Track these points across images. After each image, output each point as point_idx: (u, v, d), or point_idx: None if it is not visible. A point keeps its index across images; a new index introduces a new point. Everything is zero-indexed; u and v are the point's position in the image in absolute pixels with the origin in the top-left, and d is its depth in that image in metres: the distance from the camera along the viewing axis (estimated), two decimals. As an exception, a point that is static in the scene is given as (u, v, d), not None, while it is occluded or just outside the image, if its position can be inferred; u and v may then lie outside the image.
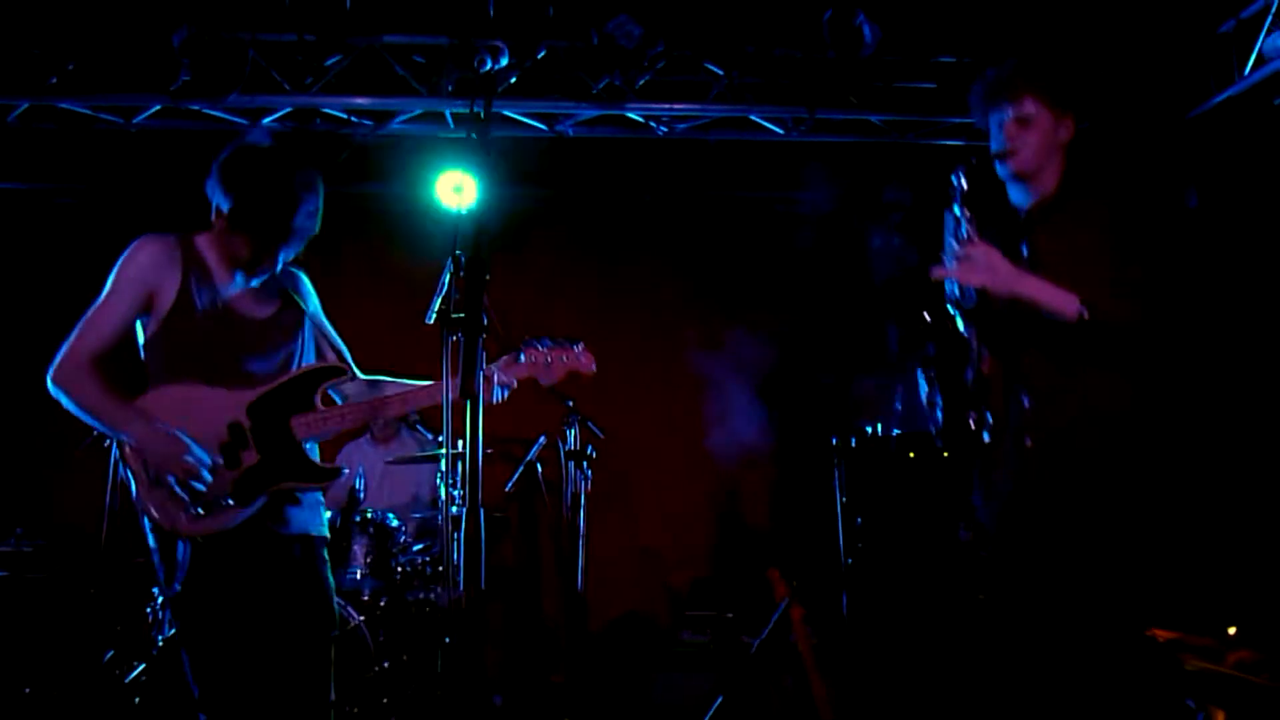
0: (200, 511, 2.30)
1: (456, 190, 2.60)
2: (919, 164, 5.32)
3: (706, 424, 5.35)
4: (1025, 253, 2.50)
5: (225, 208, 2.38)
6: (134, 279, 2.39)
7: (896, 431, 4.76)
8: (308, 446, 2.45)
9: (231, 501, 2.32)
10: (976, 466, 2.62)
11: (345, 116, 4.99)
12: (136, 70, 4.59)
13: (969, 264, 2.42)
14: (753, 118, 4.99)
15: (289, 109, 4.88)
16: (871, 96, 4.89)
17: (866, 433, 4.72)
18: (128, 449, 2.32)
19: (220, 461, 2.33)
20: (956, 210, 2.51)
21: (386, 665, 3.76)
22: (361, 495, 4.15)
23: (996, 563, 2.58)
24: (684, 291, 5.79)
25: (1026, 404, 2.45)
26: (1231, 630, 4.57)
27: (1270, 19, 4.26)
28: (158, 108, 4.79)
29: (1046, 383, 2.45)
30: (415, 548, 4.18)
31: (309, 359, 2.58)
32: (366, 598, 3.91)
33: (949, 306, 2.56)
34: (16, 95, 4.66)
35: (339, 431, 2.50)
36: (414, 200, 5.53)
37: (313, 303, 2.66)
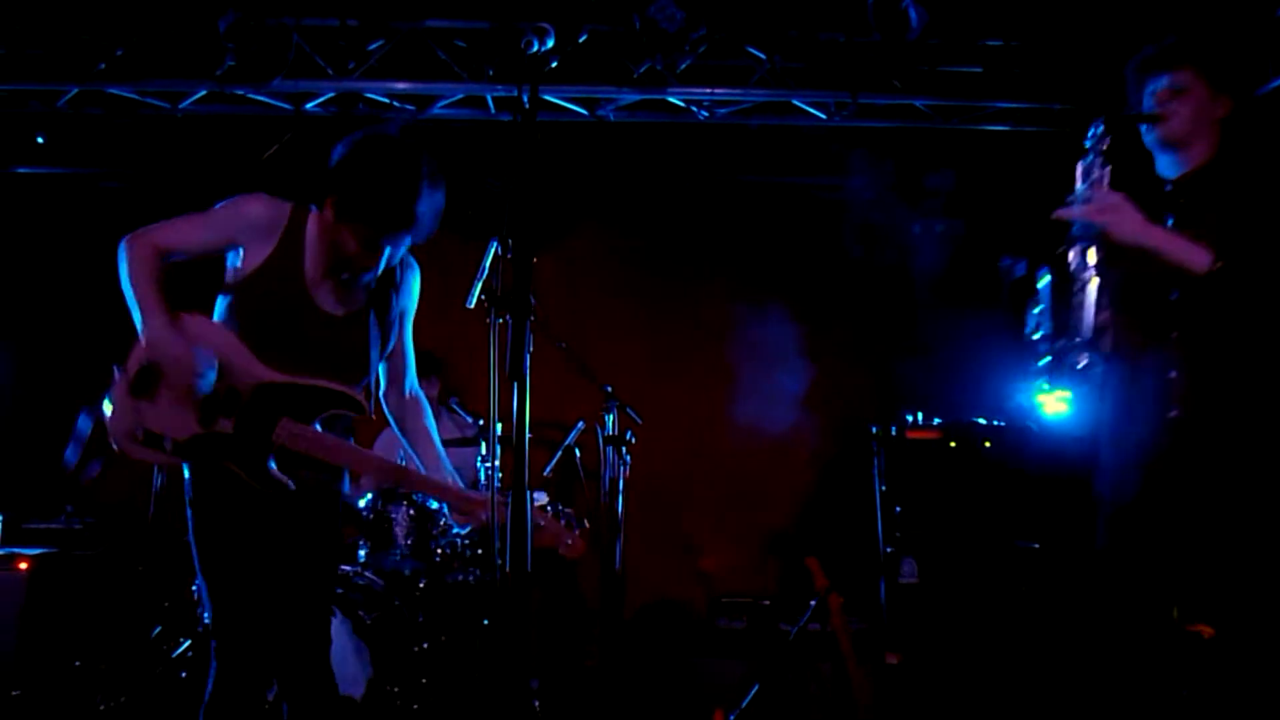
0: (139, 436, 2.28)
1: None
2: (964, 149, 5.24)
3: (745, 411, 5.33)
4: (1170, 223, 2.47)
5: (339, 196, 2.31)
6: (228, 224, 2.36)
7: (938, 420, 4.71)
8: (270, 459, 2.32)
9: (169, 447, 2.27)
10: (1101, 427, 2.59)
11: (387, 101, 5.01)
12: (183, 56, 4.64)
13: (1098, 206, 2.38)
14: (795, 102, 4.93)
15: (332, 94, 4.91)
16: (916, 80, 4.82)
17: (907, 421, 4.68)
18: (136, 347, 2.29)
19: (191, 407, 2.28)
20: (1091, 159, 2.45)
21: (426, 646, 3.80)
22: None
23: (1127, 530, 2.52)
24: (724, 277, 5.76)
25: (1174, 375, 2.42)
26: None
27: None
28: (203, 93, 4.85)
29: (1197, 356, 2.42)
30: (455, 530, 4.21)
31: (375, 361, 2.49)
32: (407, 578, 3.95)
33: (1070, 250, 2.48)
34: (65, 81, 4.73)
35: (313, 456, 2.35)
36: (455, 184, 5.58)
37: (406, 302, 2.59)
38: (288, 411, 2.31)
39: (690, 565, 5.60)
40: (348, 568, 3.97)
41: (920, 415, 4.73)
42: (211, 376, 2.28)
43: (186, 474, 2.36)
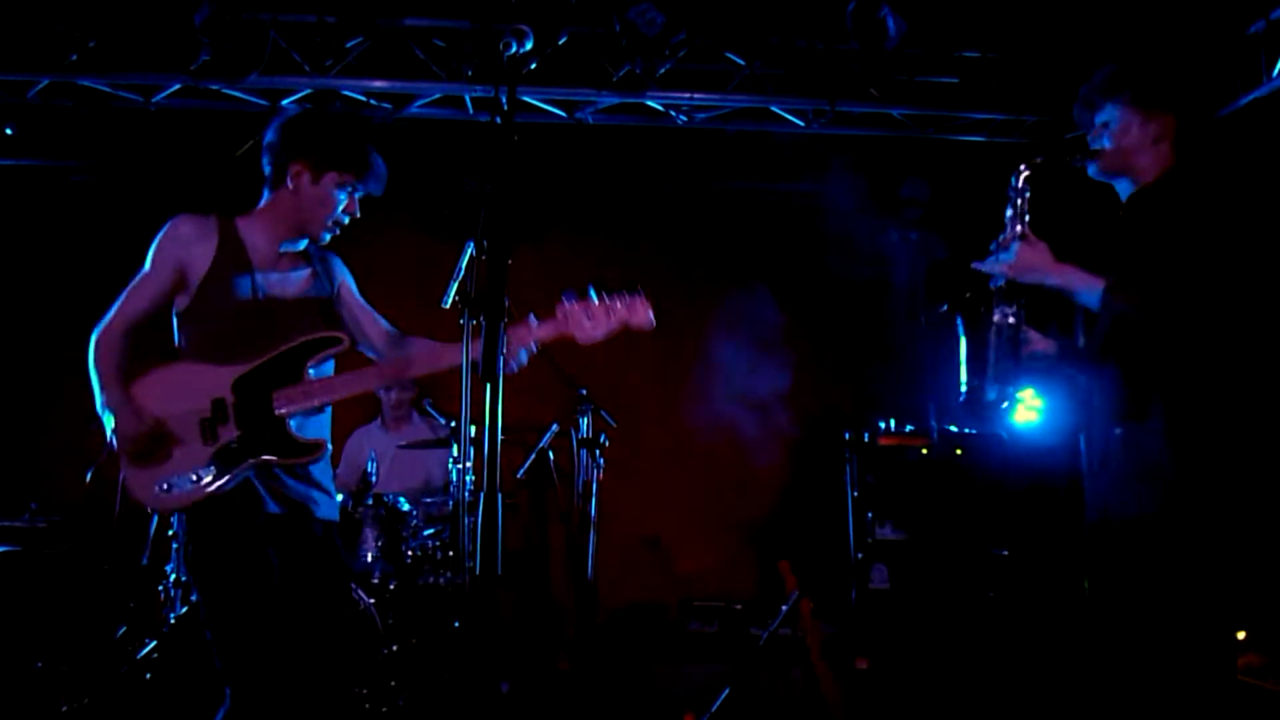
0: (165, 488, 2.34)
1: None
2: (940, 159, 5.29)
3: (719, 416, 5.34)
4: (1119, 241, 2.57)
5: (314, 155, 2.47)
6: (168, 253, 2.44)
7: (909, 428, 4.75)
8: (293, 422, 2.43)
9: (203, 477, 2.34)
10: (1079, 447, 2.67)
11: (364, 99, 4.98)
12: (157, 49, 4.59)
13: (1008, 257, 2.51)
14: (773, 109, 4.96)
15: (308, 90, 4.87)
16: (892, 90, 4.86)
17: (879, 427, 4.72)
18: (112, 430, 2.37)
19: (196, 437, 2.36)
20: (1015, 204, 2.57)
21: (395, 648, 3.77)
22: (373, 479, 4.15)
23: (1095, 546, 2.61)
24: (701, 283, 5.77)
25: (1113, 392, 2.50)
26: (1241, 635, 4.55)
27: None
28: (177, 87, 4.79)
29: (1129, 374, 2.48)
30: (426, 532, 4.18)
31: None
32: (377, 581, 3.92)
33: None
34: (36, 71, 4.66)
35: (326, 403, 2.48)
36: (431, 184, 5.56)
37: (344, 278, 2.71)
38: (275, 384, 2.41)
39: (664, 568, 5.60)
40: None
41: (893, 422, 4.77)
42: (185, 407, 2.37)
43: (151, 527, 2.41)
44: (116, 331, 2.40)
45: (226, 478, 2.36)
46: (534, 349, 2.51)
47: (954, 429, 4.79)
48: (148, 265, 2.45)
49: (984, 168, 5.37)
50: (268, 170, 2.55)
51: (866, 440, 4.67)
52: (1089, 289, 2.45)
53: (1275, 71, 4.36)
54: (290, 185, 2.50)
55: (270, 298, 2.49)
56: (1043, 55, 4.78)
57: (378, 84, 4.81)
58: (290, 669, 2.34)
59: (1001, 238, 2.57)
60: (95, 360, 2.40)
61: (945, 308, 2.76)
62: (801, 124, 5.02)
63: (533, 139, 5.13)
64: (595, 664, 4.60)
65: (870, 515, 4.59)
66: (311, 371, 2.46)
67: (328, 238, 2.60)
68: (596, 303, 2.54)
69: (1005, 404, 2.53)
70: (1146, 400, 2.45)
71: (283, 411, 2.40)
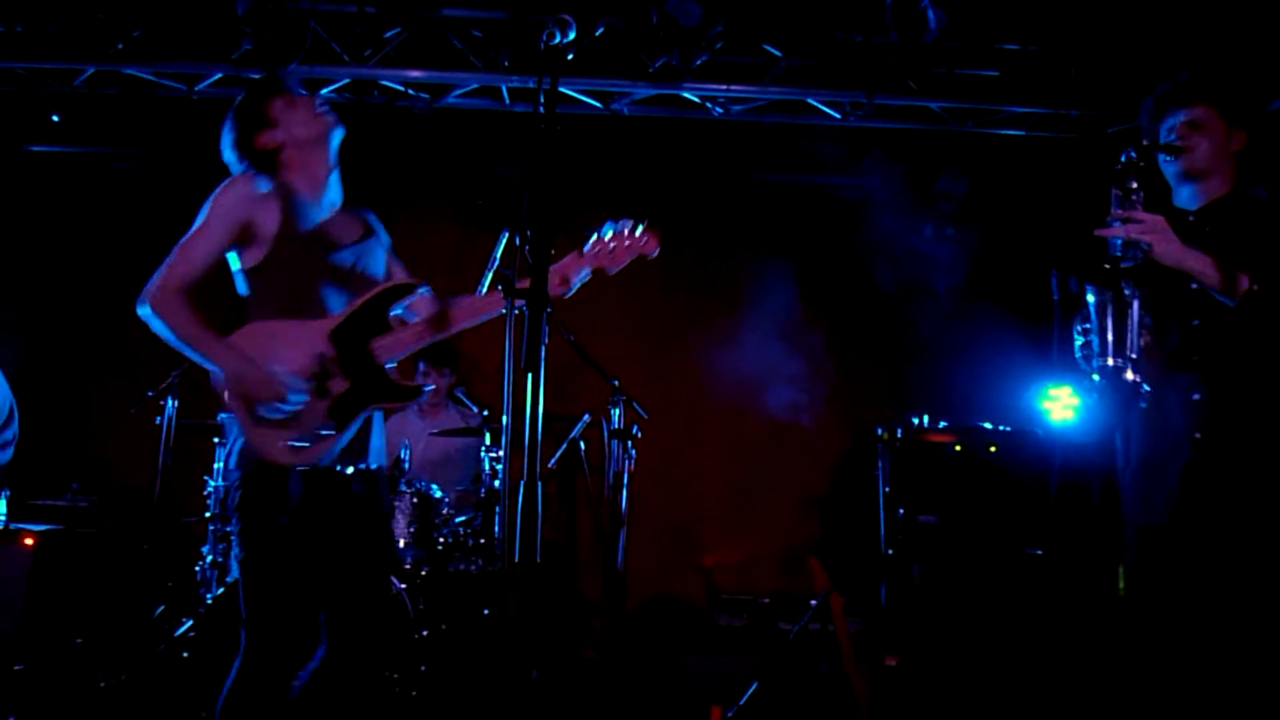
0: (302, 443, 2.37)
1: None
2: (978, 153, 5.23)
3: (754, 409, 5.33)
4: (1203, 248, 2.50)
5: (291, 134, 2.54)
6: (230, 210, 2.46)
7: (944, 424, 4.71)
8: (389, 367, 2.51)
9: (329, 430, 2.39)
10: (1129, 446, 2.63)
11: (402, 89, 5.01)
12: (200, 38, 4.65)
13: (1143, 227, 2.42)
14: (810, 101, 4.93)
15: (347, 80, 4.91)
16: (931, 82, 4.82)
17: (913, 423, 4.68)
18: (226, 388, 2.37)
19: (311, 392, 2.40)
20: (1126, 182, 2.49)
21: (425, 634, 3.81)
22: (406, 466, 4.19)
23: (1155, 551, 2.57)
24: (736, 275, 5.75)
25: (1197, 397, 2.48)
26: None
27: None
28: (219, 76, 4.85)
29: (1220, 378, 2.47)
30: (458, 519, 4.21)
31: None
32: (408, 566, 3.96)
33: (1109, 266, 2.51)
34: (82, 60, 4.74)
35: (417, 349, 2.55)
36: (467, 174, 5.59)
37: (386, 235, 2.78)
38: (369, 333, 2.47)
39: (693, 561, 5.60)
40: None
41: (927, 418, 4.73)
42: (290, 363, 2.40)
43: (292, 485, 2.41)
44: (174, 290, 2.38)
45: (350, 430, 2.42)
46: (586, 275, 2.64)
47: (988, 424, 4.74)
48: (206, 223, 2.45)
49: (1023, 162, 5.32)
50: (243, 163, 2.61)
51: (899, 436, 4.64)
52: (1224, 281, 2.38)
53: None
54: (279, 156, 2.57)
55: (339, 250, 2.55)
56: (1085, 48, 4.71)
57: (415, 74, 4.84)
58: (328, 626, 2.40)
59: (1114, 213, 2.47)
60: (168, 320, 2.37)
61: (1075, 284, 2.64)
62: (839, 116, 4.98)
63: (567, 129, 5.14)
64: (622, 654, 4.62)
65: (902, 511, 4.56)
66: (392, 320, 2.53)
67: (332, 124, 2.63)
68: (614, 235, 2.64)
69: (1133, 382, 2.43)
70: (1230, 412, 2.43)
71: (383, 359, 2.47)
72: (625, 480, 4.23)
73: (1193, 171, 2.59)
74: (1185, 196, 2.65)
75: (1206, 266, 2.40)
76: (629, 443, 4.13)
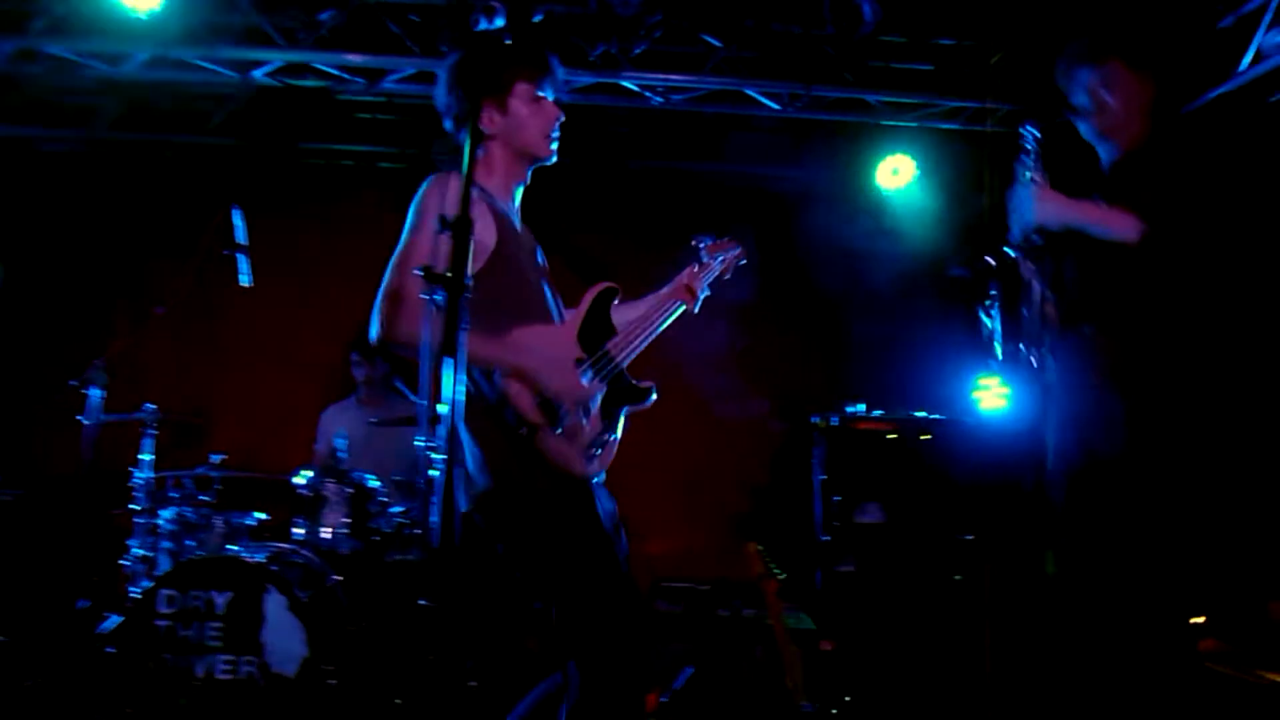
0: (596, 453, 2.27)
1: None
2: (915, 146, 5.31)
3: (691, 398, 5.36)
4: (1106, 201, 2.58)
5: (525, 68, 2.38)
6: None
7: (878, 413, 4.79)
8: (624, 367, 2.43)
9: (610, 436, 2.31)
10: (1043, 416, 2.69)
11: (338, 73, 4.93)
12: (127, 18, 4.52)
13: (1024, 200, 2.52)
14: (748, 92, 4.95)
15: (281, 63, 4.81)
16: (868, 75, 4.87)
17: (848, 412, 4.75)
18: (515, 387, 2.17)
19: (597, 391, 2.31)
20: (1027, 159, 2.57)
21: (362, 625, 3.77)
22: (342, 456, 4.14)
23: (1059, 517, 2.64)
24: (676, 265, 5.76)
25: (1099, 355, 2.55)
26: (1199, 619, 4.64)
27: (1270, 15, 4.25)
28: (146, 57, 4.72)
29: (1119, 322, 2.54)
30: (394, 510, 4.18)
31: None
32: (345, 557, 3.92)
33: (1010, 250, 2.61)
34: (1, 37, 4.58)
35: (640, 351, 2.46)
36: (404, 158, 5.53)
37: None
38: (602, 336, 2.39)
39: (634, 550, 5.61)
40: (284, 545, 3.92)
41: (862, 407, 4.80)
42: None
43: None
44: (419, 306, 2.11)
45: (616, 432, 2.35)
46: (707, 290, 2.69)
47: (923, 414, 4.83)
48: (423, 228, 2.24)
49: (958, 154, 5.41)
50: (459, 129, 2.42)
51: (835, 424, 4.70)
52: (1117, 224, 2.43)
53: (1243, 66, 4.40)
54: (493, 125, 2.39)
55: (527, 240, 2.47)
56: (1016, 44, 4.80)
57: (352, 57, 4.76)
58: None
59: (1018, 188, 2.56)
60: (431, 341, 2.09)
61: (968, 272, 2.73)
62: (777, 107, 5.01)
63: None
64: (563, 643, 4.61)
65: (837, 499, 4.62)
66: (613, 320, 2.47)
67: (555, 152, 2.48)
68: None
69: (1037, 363, 2.53)
70: (1129, 354, 2.49)
71: (621, 360, 2.38)
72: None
73: (1106, 129, 2.64)
74: (1105, 153, 2.70)
75: (1093, 214, 2.46)
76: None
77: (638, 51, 4.69)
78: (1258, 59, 4.32)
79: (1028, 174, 2.55)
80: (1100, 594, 2.57)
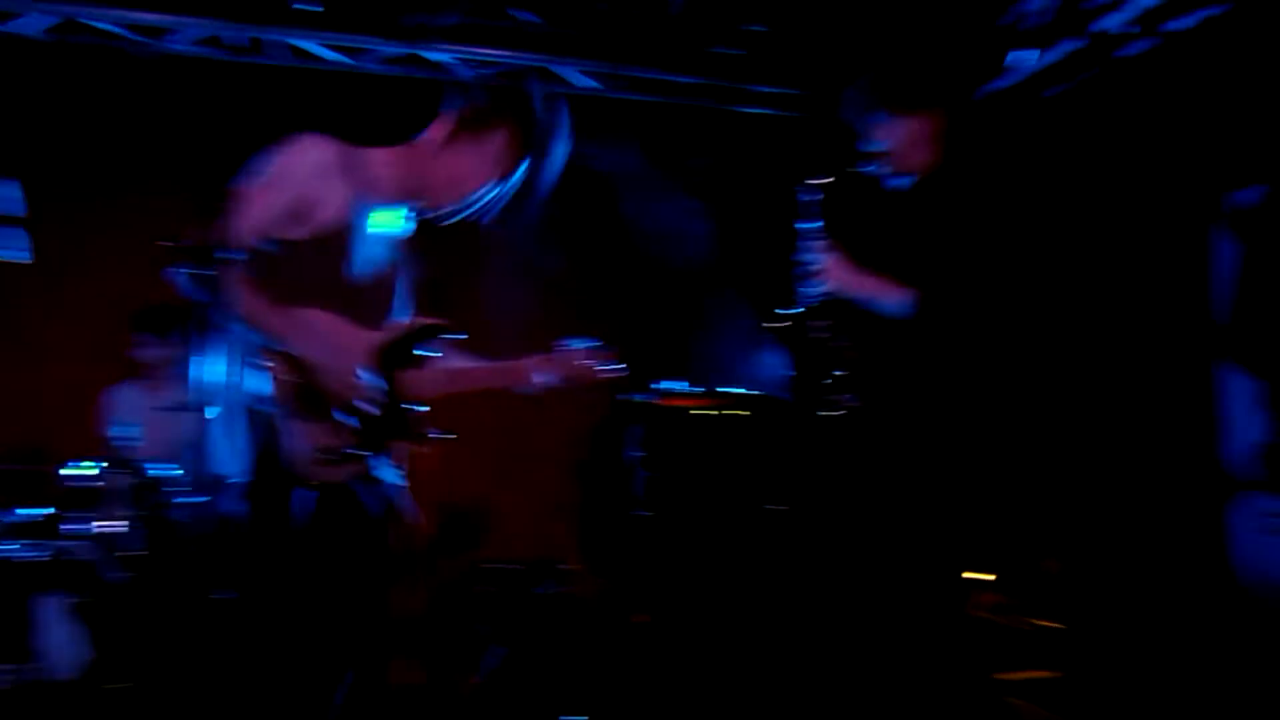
0: (332, 460, 2.11)
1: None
2: (727, 130, 5.42)
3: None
4: (899, 230, 2.78)
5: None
6: (290, 177, 2.11)
7: (694, 389, 4.88)
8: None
9: (359, 452, 2.14)
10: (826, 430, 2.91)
11: (120, 31, 4.56)
12: None
13: (818, 266, 2.71)
14: (560, 69, 4.93)
15: (56, 20, 4.42)
16: (681, 58, 4.94)
17: (663, 388, 4.81)
18: (279, 366, 2.05)
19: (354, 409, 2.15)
20: (809, 222, 2.74)
21: (145, 624, 3.56)
22: (125, 442, 3.89)
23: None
24: (493, 242, 5.68)
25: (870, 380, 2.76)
26: (987, 577, 5.01)
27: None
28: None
29: (884, 364, 2.76)
30: (184, 500, 3.94)
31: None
32: (127, 549, 3.68)
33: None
34: None
35: (431, 397, 2.36)
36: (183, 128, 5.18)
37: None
38: (402, 363, 2.28)
39: (471, 540, 5.53)
40: (61, 542, 3.66)
41: (677, 383, 4.88)
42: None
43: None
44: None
45: (381, 464, 2.31)
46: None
47: (737, 390, 4.96)
48: (264, 181, 2.13)
49: (769, 140, 5.57)
50: None
51: (647, 401, 4.75)
52: (892, 298, 2.65)
53: (1021, 61, 4.72)
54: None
55: (377, 260, 2.36)
56: (823, 33, 4.97)
57: (136, 15, 4.42)
58: None
59: (805, 255, 2.74)
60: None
61: (774, 325, 2.91)
62: (589, 85, 5.01)
63: (312, 84, 4.88)
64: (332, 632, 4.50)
65: (652, 474, 4.69)
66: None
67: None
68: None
69: (830, 407, 2.79)
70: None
71: (407, 396, 2.28)
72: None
73: (901, 170, 2.79)
74: (899, 183, 2.84)
75: (874, 290, 2.67)
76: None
77: (450, 23, 4.57)
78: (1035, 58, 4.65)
79: (812, 239, 2.72)
80: (893, 553, 2.77)
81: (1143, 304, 4.30)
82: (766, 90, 5.23)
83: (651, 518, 4.66)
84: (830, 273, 2.69)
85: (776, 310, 2.88)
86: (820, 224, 2.72)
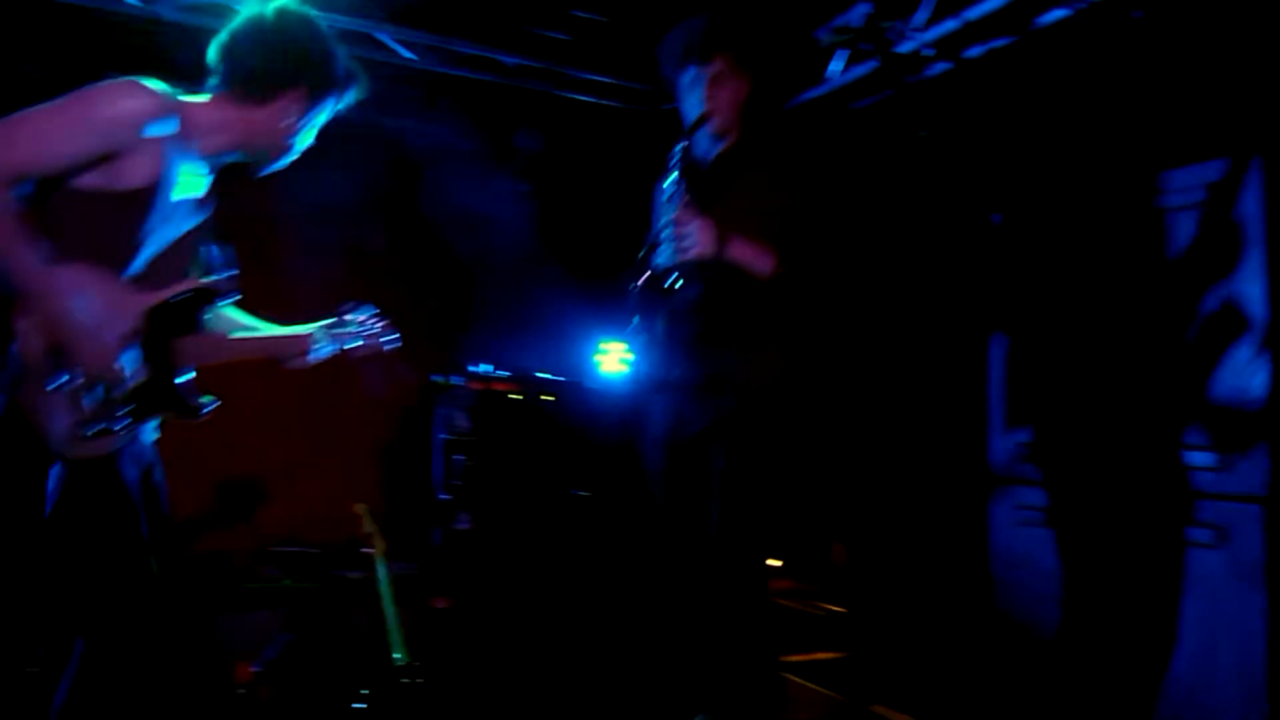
0: (87, 434, 1.95)
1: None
2: (550, 113, 5.40)
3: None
4: (709, 199, 2.71)
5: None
6: (104, 126, 1.92)
7: (502, 373, 4.86)
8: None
9: (118, 426, 1.99)
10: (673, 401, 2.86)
11: None
12: None
13: (682, 230, 2.61)
14: (381, 37, 4.75)
15: None
16: (506, 37, 4.86)
17: (471, 371, 4.77)
18: (28, 323, 1.86)
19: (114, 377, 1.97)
20: (672, 178, 2.66)
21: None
22: None
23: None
24: (301, 213, 5.41)
25: (715, 354, 2.74)
26: (775, 562, 5.25)
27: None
28: None
29: (723, 336, 2.74)
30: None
31: None
32: None
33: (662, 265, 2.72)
34: None
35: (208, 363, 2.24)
36: None
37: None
38: (174, 331, 2.16)
39: (247, 515, 5.26)
40: None
41: (486, 366, 4.85)
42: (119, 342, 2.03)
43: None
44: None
45: (143, 431, 2.20)
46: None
47: (545, 375, 4.97)
48: (68, 121, 1.94)
49: (593, 127, 5.59)
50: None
51: (457, 383, 4.70)
52: (759, 261, 2.64)
53: (832, 73, 4.95)
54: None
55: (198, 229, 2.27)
56: (649, 25, 5.01)
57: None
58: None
59: (666, 221, 2.66)
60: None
61: (639, 318, 2.83)
62: (414, 58, 4.86)
63: (109, 33, 4.49)
64: (151, 619, 4.22)
65: (458, 458, 4.64)
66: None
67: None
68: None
69: (689, 380, 2.74)
70: (727, 335, 2.71)
71: (180, 364, 2.17)
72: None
73: (719, 130, 2.77)
74: (704, 142, 2.84)
75: (744, 254, 2.64)
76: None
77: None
78: (843, 70, 4.89)
79: (676, 197, 2.65)
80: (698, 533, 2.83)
81: (920, 305, 4.61)
82: (591, 77, 5.23)
83: (457, 500, 4.61)
84: (699, 234, 2.61)
85: (631, 285, 2.78)
86: (681, 195, 2.67)
